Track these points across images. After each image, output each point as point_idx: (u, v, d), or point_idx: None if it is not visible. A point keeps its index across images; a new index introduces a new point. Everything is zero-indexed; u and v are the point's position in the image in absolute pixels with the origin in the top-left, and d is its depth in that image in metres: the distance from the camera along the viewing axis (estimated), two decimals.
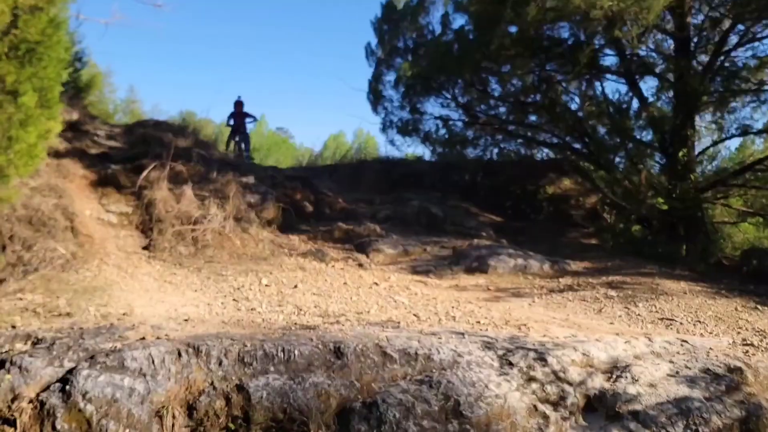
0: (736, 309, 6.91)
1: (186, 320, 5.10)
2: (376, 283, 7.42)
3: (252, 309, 5.75)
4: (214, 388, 3.94)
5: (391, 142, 17.60)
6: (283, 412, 3.86)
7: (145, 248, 7.82)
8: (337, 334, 4.64)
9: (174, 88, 73.26)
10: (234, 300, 6.09)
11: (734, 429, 4.33)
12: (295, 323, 5.20)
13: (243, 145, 16.23)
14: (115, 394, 3.70)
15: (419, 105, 14.37)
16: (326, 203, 11.46)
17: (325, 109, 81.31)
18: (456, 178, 14.55)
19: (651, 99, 12.02)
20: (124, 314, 5.12)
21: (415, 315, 5.92)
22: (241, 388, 3.95)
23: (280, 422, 3.84)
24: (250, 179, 10.70)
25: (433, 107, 14.34)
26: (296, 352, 4.24)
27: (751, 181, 11.75)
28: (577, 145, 13.08)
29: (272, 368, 4.13)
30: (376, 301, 6.50)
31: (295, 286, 6.82)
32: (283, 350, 4.23)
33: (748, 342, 5.61)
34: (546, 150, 14.61)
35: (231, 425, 3.80)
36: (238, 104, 16.28)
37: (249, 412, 3.83)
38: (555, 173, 14.21)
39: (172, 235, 8.14)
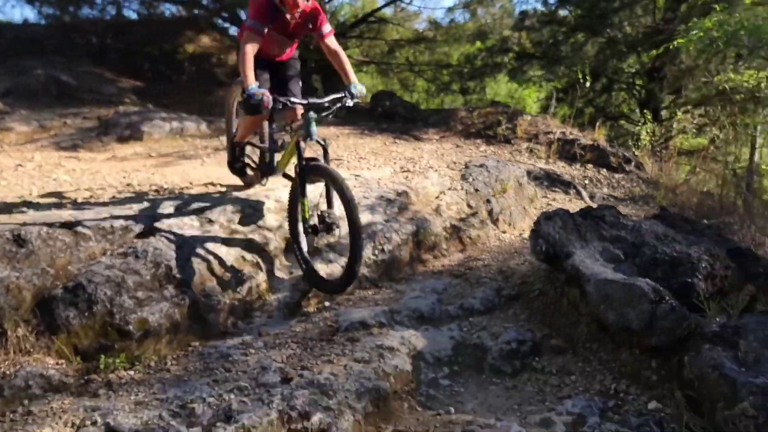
0: (384, 144, 7.85)
1: None
2: (21, 165, 6.47)
3: None
4: None
5: None
6: None
7: None
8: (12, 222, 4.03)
9: None
10: None
11: (409, 241, 5.10)
12: None
13: None
14: None
15: None
16: None
17: None
18: (82, 42, 12.91)
19: None
20: None
21: (87, 190, 5.40)
22: None
23: None
24: None
25: None
26: None
27: (365, 32, 13.20)
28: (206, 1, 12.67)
29: None
30: (33, 183, 5.72)
31: None
32: None
33: (405, 169, 6.49)
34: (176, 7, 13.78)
35: None
36: None
37: None
38: (192, 31, 13.61)
39: None
